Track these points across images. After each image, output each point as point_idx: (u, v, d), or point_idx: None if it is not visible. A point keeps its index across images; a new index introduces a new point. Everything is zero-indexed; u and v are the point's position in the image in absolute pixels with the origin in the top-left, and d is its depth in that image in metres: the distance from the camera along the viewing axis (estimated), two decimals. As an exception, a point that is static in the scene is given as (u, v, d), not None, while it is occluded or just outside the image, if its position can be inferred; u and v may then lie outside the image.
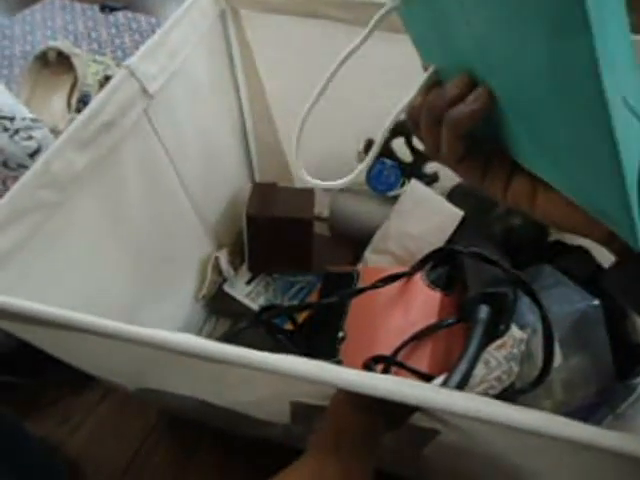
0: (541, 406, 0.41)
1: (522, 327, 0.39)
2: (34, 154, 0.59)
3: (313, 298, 0.54)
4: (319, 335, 0.47)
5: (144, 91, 0.38)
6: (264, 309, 0.47)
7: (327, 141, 0.50)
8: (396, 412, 0.25)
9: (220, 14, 0.49)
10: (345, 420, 0.25)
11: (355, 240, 0.58)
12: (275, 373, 0.22)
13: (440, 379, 0.31)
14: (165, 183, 0.43)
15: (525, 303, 0.41)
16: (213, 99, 0.50)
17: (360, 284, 0.47)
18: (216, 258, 0.51)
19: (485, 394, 0.34)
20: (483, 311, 0.35)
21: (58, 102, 0.76)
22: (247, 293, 0.53)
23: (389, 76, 0.43)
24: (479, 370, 0.34)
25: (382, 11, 0.24)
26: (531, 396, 0.40)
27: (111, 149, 0.35)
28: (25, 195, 0.29)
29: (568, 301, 0.42)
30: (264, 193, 0.52)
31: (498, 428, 0.22)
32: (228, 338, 0.48)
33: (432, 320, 0.39)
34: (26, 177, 0.29)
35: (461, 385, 0.30)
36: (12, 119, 0.59)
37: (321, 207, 0.58)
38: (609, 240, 0.20)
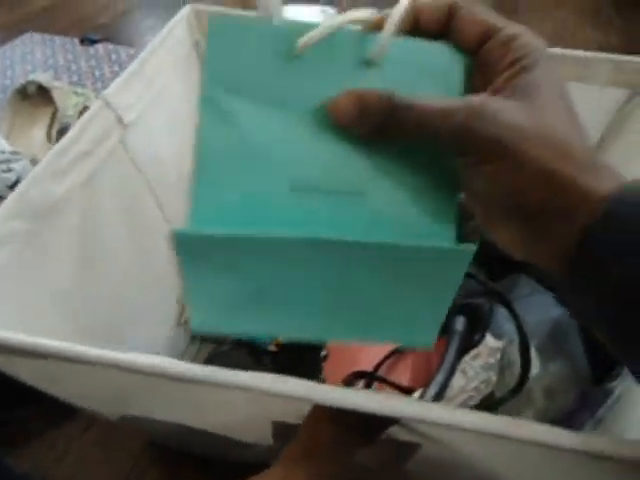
0: (523, 415, 0.41)
1: (500, 336, 0.39)
2: (13, 186, 0.59)
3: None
4: (303, 355, 0.47)
5: (120, 121, 0.39)
6: (247, 331, 0.47)
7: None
8: (370, 425, 0.26)
9: (195, 43, 0.50)
10: (318, 432, 0.25)
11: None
12: (244, 390, 0.22)
13: (419, 392, 0.31)
14: (144, 210, 0.44)
15: (502, 313, 0.42)
16: (191, 126, 0.51)
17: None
18: (198, 282, 0.51)
19: (464, 404, 0.35)
20: (459, 322, 0.36)
21: (38, 133, 0.77)
22: (230, 316, 0.53)
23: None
24: (457, 381, 0.34)
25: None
26: (513, 405, 0.41)
27: (88, 178, 0.36)
28: (2, 225, 0.29)
29: (544, 309, 0.43)
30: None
31: (475, 438, 0.22)
32: (210, 360, 0.48)
33: (411, 334, 0.40)
34: (3, 206, 0.30)
35: (439, 396, 0.30)
36: (-9, 152, 0.59)
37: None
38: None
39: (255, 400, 0.26)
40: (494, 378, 0.36)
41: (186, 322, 0.51)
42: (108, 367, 0.24)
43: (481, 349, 0.35)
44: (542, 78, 0.19)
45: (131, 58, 0.97)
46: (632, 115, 0.48)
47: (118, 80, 0.39)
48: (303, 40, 0.20)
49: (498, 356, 0.36)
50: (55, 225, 0.33)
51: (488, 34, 0.21)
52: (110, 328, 0.41)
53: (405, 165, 0.21)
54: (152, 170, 0.44)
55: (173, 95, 0.46)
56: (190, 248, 0.20)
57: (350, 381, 0.36)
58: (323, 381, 0.45)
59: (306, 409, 0.28)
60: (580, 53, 0.46)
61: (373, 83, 0.21)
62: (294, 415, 0.29)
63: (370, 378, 0.37)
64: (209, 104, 0.22)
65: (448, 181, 0.22)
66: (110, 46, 1.02)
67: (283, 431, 0.32)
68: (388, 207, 0.21)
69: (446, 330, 0.37)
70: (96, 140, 0.37)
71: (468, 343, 0.34)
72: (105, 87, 0.39)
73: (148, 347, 0.46)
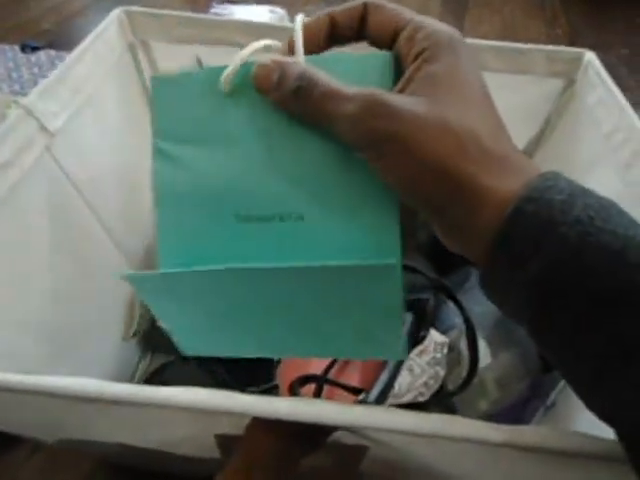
0: (478, 406, 0.42)
1: (448, 330, 0.39)
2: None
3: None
4: (257, 362, 0.46)
5: (43, 129, 0.37)
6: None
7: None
8: (311, 432, 0.25)
9: (129, 46, 0.49)
10: (258, 443, 0.24)
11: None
12: (173, 408, 0.21)
13: (364, 394, 0.31)
14: (78, 221, 0.42)
15: (451, 307, 0.42)
16: (128, 131, 0.49)
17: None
18: (145, 293, 0.49)
19: (415, 401, 0.35)
20: (406, 319, 0.36)
21: (-25, 146, 0.73)
22: (182, 325, 0.52)
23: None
24: (404, 378, 0.34)
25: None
26: (467, 398, 0.41)
27: (10, 191, 0.34)
28: None
29: (491, 300, 0.43)
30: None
31: (414, 439, 0.22)
32: (159, 372, 0.46)
33: (361, 333, 0.39)
34: None
35: (382, 396, 0.30)
36: None
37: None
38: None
39: (192, 415, 0.25)
40: (442, 373, 0.36)
41: (134, 335, 0.49)
42: (28, 393, 0.23)
43: (427, 345, 0.35)
44: (446, 69, 0.19)
45: (75, 64, 0.93)
46: (569, 103, 0.49)
47: (39, 87, 0.37)
48: (222, 79, 0.22)
49: (445, 350, 0.36)
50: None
51: (397, 30, 0.20)
52: (46, 351, 0.39)
53: (343, 183, 0.22)
54: (84, 178, 0.42)
55: (105, 99, 0.44)
56: (144, 287, 0.24)
57: (298, 385, 0.36)
58: (277, 386, 0.44)
59: (246, 420, 0.27)
60: (516, 45, 0.47)
61: None
62: (235, 427, 0.28)
63: (317, 381, 0.36)
64: (160, 154, 0.24)
65: (388, 192, 0.22)
66: (53, 52, 0.98)
67: (227, 443, 0.30)
68: (326, 228, 0.22)
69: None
70: (18, 150, 0.34)
71: (414, 340, 0.34)
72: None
73: (92, 366, 0.44)
